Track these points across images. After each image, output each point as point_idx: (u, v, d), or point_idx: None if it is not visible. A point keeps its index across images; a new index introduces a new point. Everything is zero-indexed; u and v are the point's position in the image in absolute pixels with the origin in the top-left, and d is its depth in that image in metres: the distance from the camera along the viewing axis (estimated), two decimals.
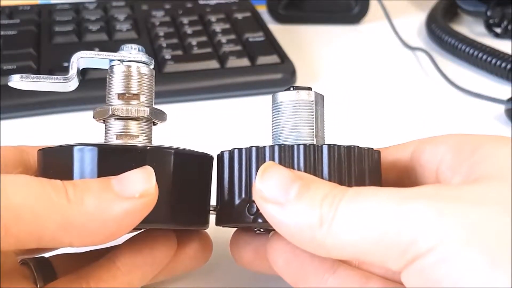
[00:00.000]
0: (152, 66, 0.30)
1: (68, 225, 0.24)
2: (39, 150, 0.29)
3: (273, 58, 0.57)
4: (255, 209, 0.27)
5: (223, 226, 0.30)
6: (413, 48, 0.64)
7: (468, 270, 0.21)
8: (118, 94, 0.29)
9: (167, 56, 0.56)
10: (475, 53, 0.59)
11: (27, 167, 0.30)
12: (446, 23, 0.66)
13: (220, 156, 0.29)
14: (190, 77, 0.55)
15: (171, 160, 0.28)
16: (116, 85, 0.29)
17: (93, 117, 0.30)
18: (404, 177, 0.30)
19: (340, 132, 0.35)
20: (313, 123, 0.28)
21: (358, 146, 0.28)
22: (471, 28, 0.69)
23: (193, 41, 0.59)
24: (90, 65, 0.30)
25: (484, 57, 0.58)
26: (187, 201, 0.29)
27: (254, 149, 0.28)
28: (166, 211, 0.28)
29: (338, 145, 0.27)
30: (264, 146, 0.27)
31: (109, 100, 0.29)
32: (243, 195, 0.28)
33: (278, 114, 0.29)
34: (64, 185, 0.24)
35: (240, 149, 0.28)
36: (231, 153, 0.29)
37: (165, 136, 0.32)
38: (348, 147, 0.27)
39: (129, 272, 0.29)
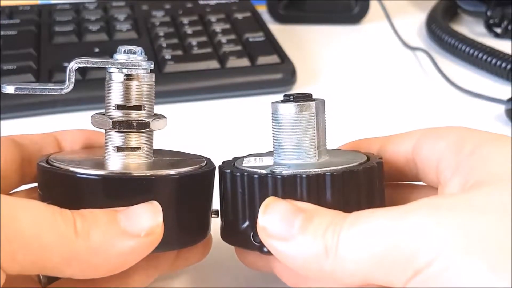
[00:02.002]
0: (151, 66, 0.29)
1: (72, 258, 0.23)
2: (39, 163, 0.28)
3: (273, 58, 0.57)
4: (260, 238, 0.27)
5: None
6: (413, 48, 0.64)
7: (469, 277, 0.21)
8: (118, 105, 0.28)
9: (167, 56, 0.56)
10: (475, 53, 0.59)
11: (24, 159, 0.30)
12: (446, 23, 0.66)
13: (223, 174, 0.29)
14: (190, 77, 0.55)
15: (176, 187, 0.28)
16: (115, 95, 0.28)
17: (92, 124, 0.29)
18: (406, 169, 0.30)
19: (340, 133, 0.35)
20: (315, 136, 0.28)
21: (361, 167, 0.27)
22: (471, 28, 0.69)
23: (193, 41, 0.59)
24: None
25: (484, 57, 0.58)
26: (191, 222, 0.29)
27: (256, 179, 0.27)
28: (171, 237, 0.27)
29: (341, 171, 0.27)
30: (267, 175, 0.27)
31: (108, 110, 0.28)
32: (247, 222, 0.28)
33: (279, 126, 0.29)
34: (73, 216, 0.24)
35: (242, 175, 0.28)
36: (233, 176, 0.28)
37: (165, 136, 0.32)
38: (351, 171, 0.27)
39: (134, 273, 0.29)
